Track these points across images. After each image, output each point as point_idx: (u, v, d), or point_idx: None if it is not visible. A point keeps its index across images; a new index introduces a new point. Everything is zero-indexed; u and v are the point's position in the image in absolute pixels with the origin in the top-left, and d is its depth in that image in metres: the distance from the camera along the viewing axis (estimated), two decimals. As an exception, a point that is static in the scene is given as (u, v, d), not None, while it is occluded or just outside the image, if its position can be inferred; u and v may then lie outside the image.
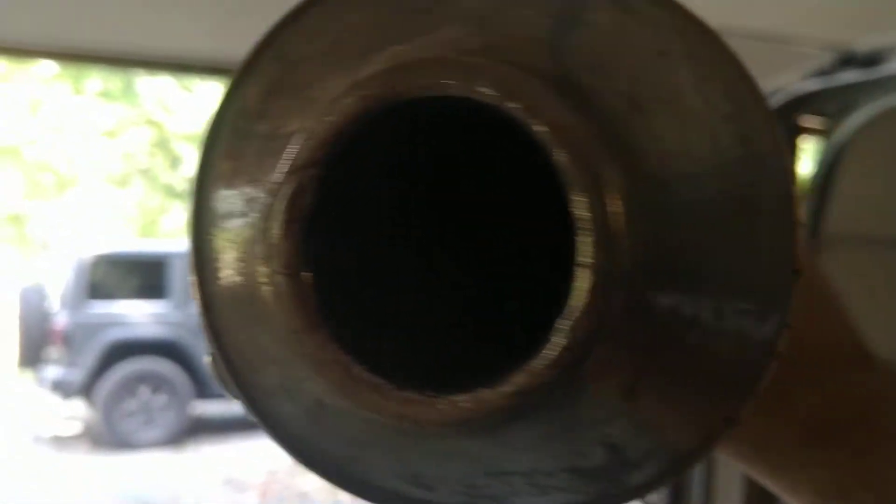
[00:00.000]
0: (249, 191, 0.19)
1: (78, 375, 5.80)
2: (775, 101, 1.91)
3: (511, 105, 0.17)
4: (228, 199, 0.20)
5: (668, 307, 0.20)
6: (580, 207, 0.17)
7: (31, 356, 6.04)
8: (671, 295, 0.20)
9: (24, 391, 6.71)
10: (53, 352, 5.93)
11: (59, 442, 6.01)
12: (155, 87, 8.39)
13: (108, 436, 5.81)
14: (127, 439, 5.80)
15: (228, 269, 0.20)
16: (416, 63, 0.17)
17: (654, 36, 0.20)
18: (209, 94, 8.60)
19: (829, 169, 1.87)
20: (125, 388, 5.90)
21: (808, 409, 0.30)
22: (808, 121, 2.04)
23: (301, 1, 0.20)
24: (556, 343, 0.17)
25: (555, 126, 0.17)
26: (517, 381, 0.17)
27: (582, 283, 0.17)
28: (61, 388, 5.83)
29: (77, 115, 8.44)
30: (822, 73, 1.77)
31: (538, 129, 0.17)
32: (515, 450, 0.20)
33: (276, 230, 0.18)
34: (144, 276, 6.09)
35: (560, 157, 0.17)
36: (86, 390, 5.88)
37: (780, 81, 1.86)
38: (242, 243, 0.20)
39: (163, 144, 9.27)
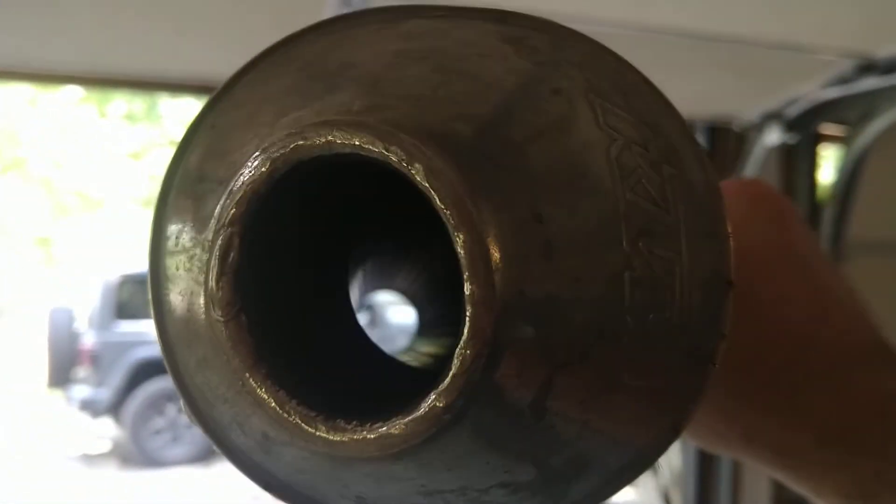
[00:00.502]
0: (191, 248, 0.21)
1: (106, 394, 5.86)
2: (796, 110, 1.91)
3: (384, 152, 0.18)
4: (176, 255, 0.22)
5: (580, 323, 0.20)
6: (459, 245, 0.18)
7: (60, 376, 6.11)
8: (580, 312, 0.20)
9: (53, 411, 6.79)
10: (81, 372, 6.00)
11: (89, 459, 6.06)
12: (177, 108, 8.50)
13: (136, 453, 5.86)
14: (155, 457, 5.84)
15: (180, 318, 0.22)
16: (308, 127, 0.19)
17: (550, 75, 0.22)
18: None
19: (850, 176, 1.86)
20: (152, 406, 5.95)
21: (821, 412, 0.29)
22: (829, 129, 2.04)
23: (232, 74, 0.23)
24: (453, 374, 0.19)
25: (431, 170, 0.18)
26: (423, 408, 0.19)
27: (471, 312, 0.18)
28: (90, 407, 5.89)
29: (102, 138, 8.57)
30: (843, 80, 1.76)
31: (412, 173, 0.18)
32: (438, 470, 0.21)
33: (211, 282, 0.20)
34: (170, 295, 6.14)
35: (437, 200, 0.18)
36: (114, 409, 5.94)
37: (800, 90, 1.86)
38: (189, 295, 0.21)
39: (186, 165, 9.35)
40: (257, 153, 0.20)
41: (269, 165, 0.19)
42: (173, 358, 0.23)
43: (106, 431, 6.38)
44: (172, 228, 0.22)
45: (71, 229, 9.23)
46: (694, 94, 1.91)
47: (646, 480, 2.42)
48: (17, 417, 6.90)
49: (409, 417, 0.19)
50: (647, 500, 2.47)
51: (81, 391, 5.93)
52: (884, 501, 0.29)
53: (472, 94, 0.21)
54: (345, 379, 0.25)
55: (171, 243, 0.22)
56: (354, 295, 0.30)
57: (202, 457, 5.91)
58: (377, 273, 0.31)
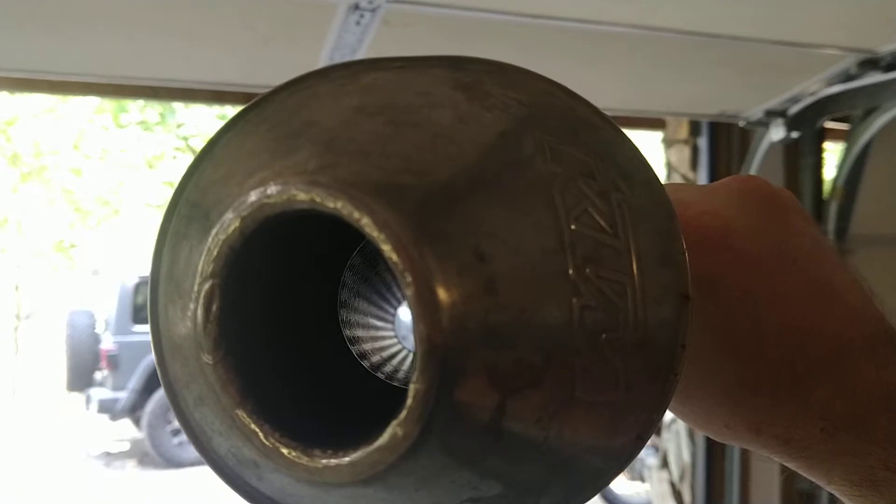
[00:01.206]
0: (182, 299, 0.23)
1: (124, 397, 5.92)
2: (799, 106, 1.92)
3: (334, 207, 0.20)
4: (171, 304, 0.24)
5: (529, 350, 0.21)
6: (406, 289, 0.20)
7: (79, 379, 6.17)
8: (528, 340, 0.21)
9: (72, 414, 6.86)
10: (100, 374, 6.06)
11: (109, 458, 6.12)
12: (191, 116, 8.57)
13: (154, 454, 5.91)
14: (173, 456, 5.89)
15: (179, 361, 0.24)
16: (270, 187, 0.21)
17: (497, 119, 0.23)
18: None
19: (854, 171, 1.87)
20: (169, 408, 5.98)
21: (827, 404, 0.29)
22: (833, 124, 2.04)
23: (216, 131, 0.25)
24: (408, 406, 0.20)
25: (377, 222, 0.20)
26: (385, 437, 0.20)
27: (420, 350, 0.20)
28: (109, 409, 5.94)
29: (119, 146, 8.66)
30: (846, 77, 1.78)
31: (360, 224, 0.20)
32: (407, 491, 0.22)
33: (199, 329, 0.22)
34: (187, 298, 6.19)
35: (384, 250, 0.20)
36: (132, 411, 6.00)
37: (805, 86, 1.87)
38: (184, 339, 0.23)
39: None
40: (229, 213, 0.22)
41: (240, 223, 0.21)
42: (175, 396, 0.25)
43: (125, 434, 6.44)
44: (165, 280, 0.24)
45: (90, 235, 9.32)
46: (699, 93, 1.92)
47: (656, 475, 2.44)
48: (38, 420, 6.98)
49: (373, 446, 0.20)
50: (657, 494, 2.48)
51: (100, 394, 5.99)
52: (892, 488, 0.29)
53: (419, 146, 0.22)
54: (329, 404, 0.27)
55: (166, 296, 0.24)
56: (344, 319, 0.32)
57: (220, 458, 5.95)
58: (364, 299, 0.33)
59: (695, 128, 2.28)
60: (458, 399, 0.20)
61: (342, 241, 0.29)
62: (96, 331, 6.18)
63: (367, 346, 0.31)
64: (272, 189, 0.21)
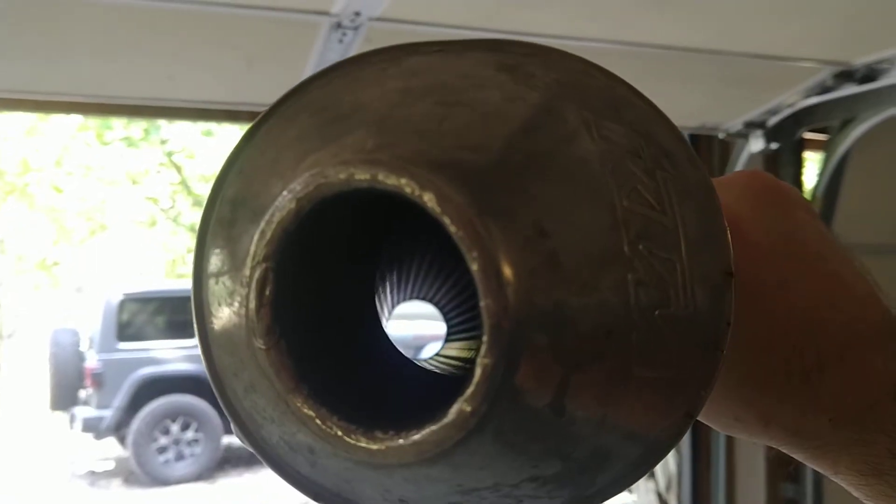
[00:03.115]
0: (231, 285, 0.23)
1: (109, 415, 5.86)
2: (778, 118, 1.95)
3: (398, 184, 0.20)
4: (217, 292, 0.24)
5: (590, 325, 0.22)
6: (472, 263, 0.20)
7: (63, 398, 6.10)
8: (589, 315, 0.22)
9: (56, 432, 6.79)
10: (84, 393, 6.00)
11: (94, 478, 6.06)
12: (176, 132, 8.54)
13: (141, 473, 5.86)
14: (159, 474, 5.84)
15: (226, 349, 0.24)
16: (328, 166, 0.21)
17: (543, 98, 0.23)
18: (227, 137, 8.74)
19: (832, 180, 1.89)
20: (156, 425, 5.94)
21: (834, 395, 0.30)
22: (811, 135, 2.07)
23: (253, 122, 0.25)
24: (476, 382, 0.20)
25: (441, 197, 0.20)
26: (452, 415, 0.20)
27: (487, 324, 0.20)
28: (93, 428, 5.88)
29: (102, 162, 8.61)
30: (822, 89, 1.80)
31: (424, 201, 0.20)
32: (471, 469, 0.22)
33: (251, 314, 0.22)
34: (172, 313, 6.17)
35: (449, 224, 0.20)
36: (117, 429, 5.94)
37: (783, 98, 1.89)
38: (232, 327, 0.23)
39: (185, 186, 9.41)
40: (284, 193, 0.21)
41: (296, 204, 0.21)
42: (222, 386, 0.24)
43: (110, 452, 6.38)
44: (212, 269, 0.24)
45: (73, 252, 9.25)
46: (679, 106, 1.94)
47: (642, 484, 2.44)
48: (22, 440, 6.90)
49: (440, 424, 0.20)
50: (644, 503, 2.48)
51: (84, 412, 5.93)
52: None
53: (472, 124, 0.22)
54: (378, 388, 0.27)
55: (211, 282, 0.24)
56: (385, 304, 0.32)
57: (206, 474, 5.91)
58: (406, 282, 0.33)
59: (676, 140, 2.30)
60: (522, 375, 0.21)
61: (371, 229, 0.29)
62: (80, 349, 6.13)
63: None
64: (330, 170, 0.21)
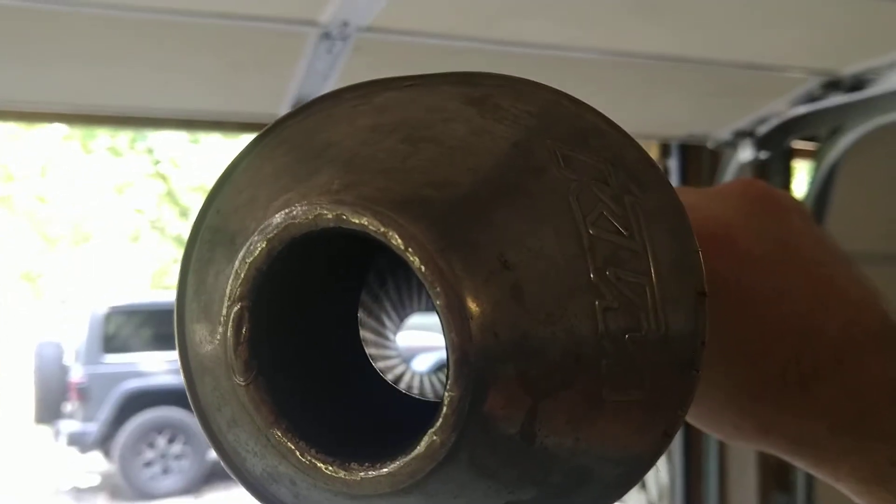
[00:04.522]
0: (210, 323, 0.24)
1: (94, 429, 5.81)
2: (767, 127, 1.95)
3: (361, 223, 0.21)
4: (199, 331, 0.24)
5: (557, 354, 0.22)
6: (436, 299, 0.21)
7: (48, 411, 6.05)
8: (556, 344, 0.22)
9: (40, 446, 6.72)
10: (69, 406, 5.95)
11: (78, 493, 6.00)
12: (162, 141, 8.51)
13: (126, 487, 5.80)
14: (146, 489, 5.79)
15: (209, 385, 0.24)
16: (296, 207, 0.22)
17: (510, 130, 0.24)
18: (214, 147, 8.71)
19: (821, 189, 1.90)
20: (142, 439, 5.90)
21: (833, 402, 0.29)
22: (800, 144, 2.08)
23: (233, 157, 0.25)
24: (444, 414, 0.21)
25: (403, 235, 0.21)
26: (422, 446, 0.21)
27: (452, 358, 0.21)
28: (78, 441, 5.83)
29: (87, 172, 8.56)
30: (810, 98, 1.81)
31: (387, 239, 0.21)
32: (446, 498, 0.22)
33: (229, 352, 0.22)
34: (158, 326, 6.13)
35: (412, 262, 0.21)
36: (103, 443, 5.89)
37: (771, 108, 1.90)
38: (214, 364, 0.24)
39: (171, 197, 9.37)
40: (255, 235, 0.22)
41: (267, 244, 0.22)
42: (206, 421, 0.25)
43: (95, 466, 6.32)
44: (192, 307, 0.25)
45: (58, 264, 9.18)
46: (669, 115, 1.95)
47: (634, 495, 2.44)
48: (6, 454, 6.82)
49: (411, 455, 0.21)
50: (636, 516, 2.47)
51: (69, 426, 5.88)
52: None
53: (437, 160, 0.23)
54: (358, 413, 0.28)
55: (192, 320, 0.25)
56: (380, 322, 0.32)
57: (192, 488, 5.86)
58: (405, 296, 0.33)
59: (665, 150, 2.31)
60: (491, 405, 0.21)
61: (351, 260, 0.29)
62: (65, 362, 6.07)
63: (380, 365, 0.31)
64: (298, 210, 0.22)
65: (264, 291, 0.22)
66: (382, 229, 0.21)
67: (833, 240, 0.33)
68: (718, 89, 1.79)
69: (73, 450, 5.92)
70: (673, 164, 2.28)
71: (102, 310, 5.99)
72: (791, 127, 1.91)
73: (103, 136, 8.40)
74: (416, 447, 0.21)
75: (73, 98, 1.67)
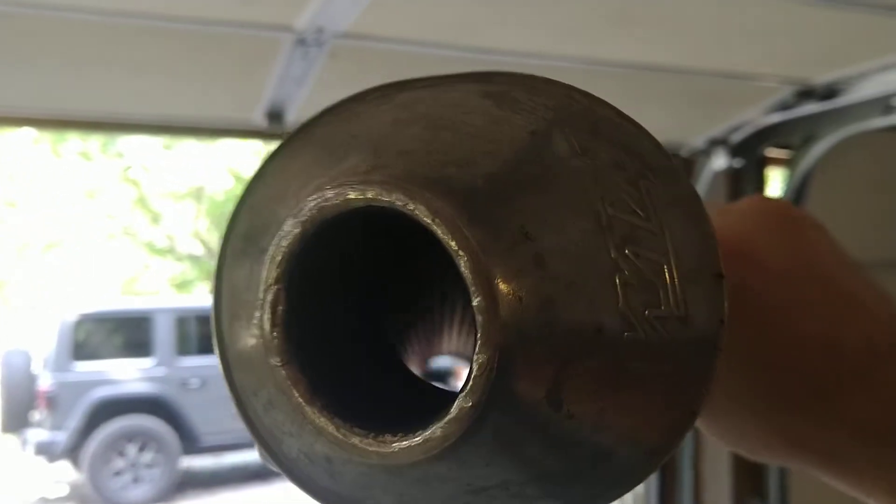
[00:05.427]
0: (248, 309, 0.25)
1: (63, 437, 5.72)
2: (740, 135, 1.97)
3: (390, 200, 0.22)
4: (236, 317, 0.25)
5: (580, 322, 0.23)
6: (463, 266, 0.21)
7: (15, 420, 5.95)
8: (578, 312, 0.23)
9: (7, 456, 6.60)
10: (37, 415, 5.85)
11: (46, 505, 5.89)
12: (133, 146, 8.41)
13: (96, 497, 5.71)
14: (116, 499, 5.70)
15: (246, 369, 0.25)
16: (326, 190, 0.23)
17: (527, 120, 0.25)
18: (186, 152, 8.64)
19: (795, 197, 1.92)
20: (112, 447, 5.82)
21: (858, 413, 0.29)
22: (774, 152, 2.10)
23: (264, 157, 0.27)
24: (473, 376, 0.22)
25: (430, 209, 0.22)
26: (454, 410, 0.22)
27: (480, 321, 0.21)
28: (46, 451, 5.74)
29: (57, 177, 8.44)
30: (784, 106, 1.83)
31: (415, 213, 0.22)
32: (477, 466, 0.23)
33: (266, 334, 0.23)
34: (129, 333, 6.06)
35: (439, 232, 0.22)
36: (71, 452, 5.80)
37: (745, 116, 1.92)
38: (250, 348, 0.25)
39: (143, 202, 9.27)
40: (289, 220, 0.23)
41: (300, 227, 0.23)
42: (243, 406, 0.26)
43: (63, 476, 6.22)
44: (229, 296, 0.26)
45: (27, 269, 9.04)
46: (643, 123, 1.95)
47: None
48: (-29, 465, 6.69)
49: (444, 420, 0.22)
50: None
51: (37, 435, 5.78)
52: None
53: (458, 144, 0.24)
54: (386, 398, 0.29)
55: (230, 309, 0.26)
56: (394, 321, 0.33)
57: (163, 496, 5.79)
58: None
59: (639, 157, 2.32)
60: (517, 369, 0.22)
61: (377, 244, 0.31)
62: (33, 370, 5.97)
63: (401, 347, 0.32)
64: (329, 192, 0.23)
65: (299, 276, 0.23)
66: (411, 204, 0.22)
67: (849, 253, 0.33)
68: (692, 98, 1.80)
69: (41, 459, 5.82)
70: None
71: (72, 317, 5.90)
72: (764, 135, 1.93)
73: (74, 141, 8.28)
74: (447, 413, 0.22)
75: (43, 102, 1.64)
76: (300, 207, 0.23)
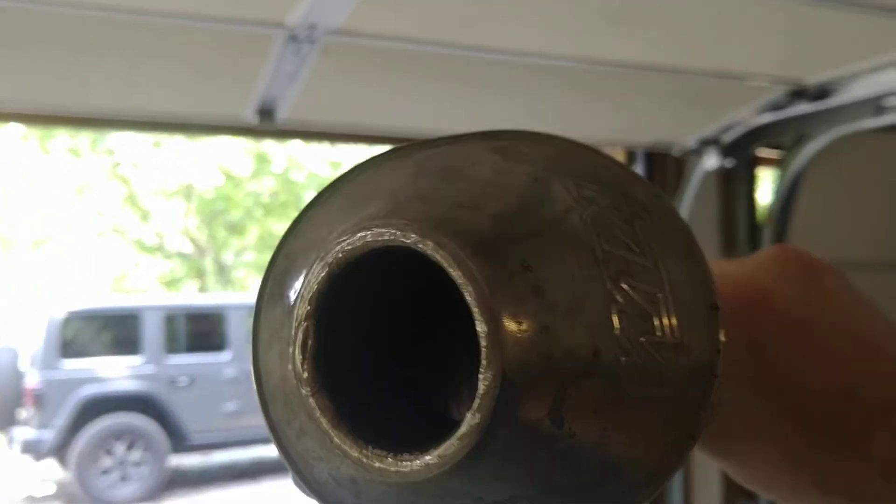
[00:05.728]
0: (283, 344, 0.27)
1: (50, 435, 5.69)
2: (732, 135, 1.97)
3: (404, 240, 0.24)
4: (271, 352, 0.28)
5: (578, 345, 0.24)
6: (468, 295, 0.24)
7: (3, 418, 5.92)
8: (575, 337, 0.24)
9: (-6, 454, 6.56)
10: (24, 413, 5.82)
11: (33, 502, 5.86)
12: (123, 143, 8.37)
13: (83, 496, 5.69)
14: (103, 497, 5.68)
15: (280, 400, 0.28)
16: (347, 232, 0.25)
17: (530, 169, 0.27)
18: (176, 149, 8.60)
19: (786, 198, 1.92)
20: (100, 446, 5.79)
21: (883, 451, 0.30)
22: (765, 152, 2.10)
23: (301, 210, 0.30)
24: (480, 395, 0.23)
25: (437, 244, 0.24)
26: (464, 427, 0.24)
27: (484, 344, 0.23)
28: (33, 449, 5.71)
29: (46, 173, 8.39)
30: (775, 106, 1.83)
31: (425, 250, 0.24)
32: (488, 481, 0.25)
33: (297, 366, 0.26)
34: (117, 331, 6.03)
35: (445, 266, 0.24)
36: (59, 450, 5.77)
37: (736, 115, 1.92)
38: (283, 380, 0.27)
39: (132, 200, 9.22)
40: (317, 263, 0.26)
41: (327, 269, 0.25)
42: (278, 435, 0.28)
43: (50, 474, 6.18)
44: (266, 333, 0.28)
45: (14, 266, 8.98)
46: (636, 122, 1.96)
47: None
48: (-43, 463, 6.65)
49: (455, 437, 0.24)
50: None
51: (24, 433, 5.74)
52: None
53: (467, 190, 0.27)
54: (405, 422, 0.30)
55: (266, 348, 0.28)
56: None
57: (151, 495, 5.76)
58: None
59: (630, 157, 2.32)
60: (521, 388, 0.24)
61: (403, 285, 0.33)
62: (20, 368, 5.93)
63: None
64: (350, 235, 0.25)
65: (327, 310, 0.26)
66: (420, 244, 0.24)
67: (867, 299, 0.34)
68: (684, 97, 1.80)
69: (28, 457, 5.79)
70: (638, 171, 2.29)
71: (60, 314, 5.87)
72: (756, 135, 1.93)
73: (63, 137, 8.23)
74: (457, 430, 0.24)
75: (32, 97, 1.62)
76: (327, 251, 0.26)
